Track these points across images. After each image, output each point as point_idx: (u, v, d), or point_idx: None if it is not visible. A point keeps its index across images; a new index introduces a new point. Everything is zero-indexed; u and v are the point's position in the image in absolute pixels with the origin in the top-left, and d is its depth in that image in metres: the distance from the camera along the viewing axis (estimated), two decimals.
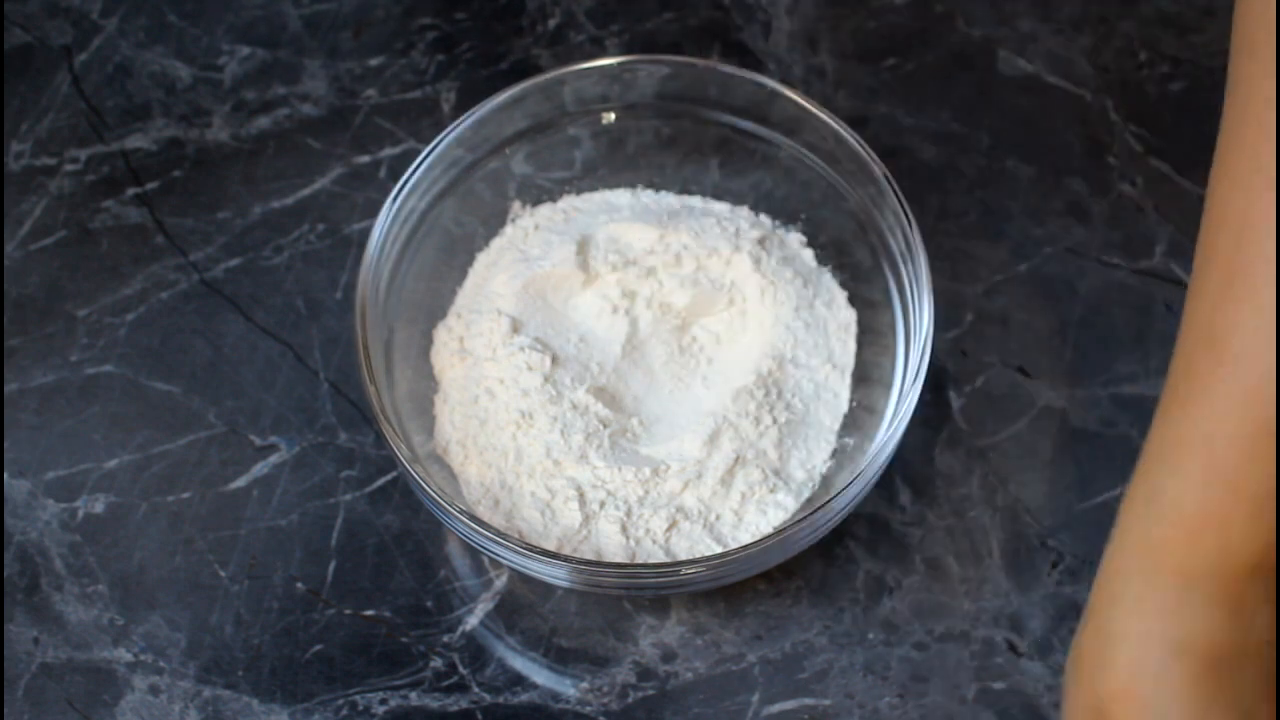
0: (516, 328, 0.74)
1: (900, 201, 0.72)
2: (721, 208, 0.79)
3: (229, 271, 0.80)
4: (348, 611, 0.72)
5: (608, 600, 0.72)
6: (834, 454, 0.73)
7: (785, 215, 0.78)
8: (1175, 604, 0.52)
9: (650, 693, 0.71)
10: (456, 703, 0.71)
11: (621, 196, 0.79)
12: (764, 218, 0.78)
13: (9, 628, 0.72)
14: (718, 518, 0.70)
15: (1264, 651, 0.52)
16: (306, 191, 0.82)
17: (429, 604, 0.72)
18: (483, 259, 0.78)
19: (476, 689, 0.71)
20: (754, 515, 0.70)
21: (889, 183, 0.73)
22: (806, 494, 0.72)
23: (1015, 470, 0.75)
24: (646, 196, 0.79)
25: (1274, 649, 0.53)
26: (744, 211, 0.79)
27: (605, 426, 0.71)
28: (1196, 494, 0.52)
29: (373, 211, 0.78)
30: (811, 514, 0.66)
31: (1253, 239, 0.52)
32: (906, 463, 0.75)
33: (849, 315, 0.76)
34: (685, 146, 0.79)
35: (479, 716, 0.70)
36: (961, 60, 0.85)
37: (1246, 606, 0.51)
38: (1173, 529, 0.52)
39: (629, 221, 0.77)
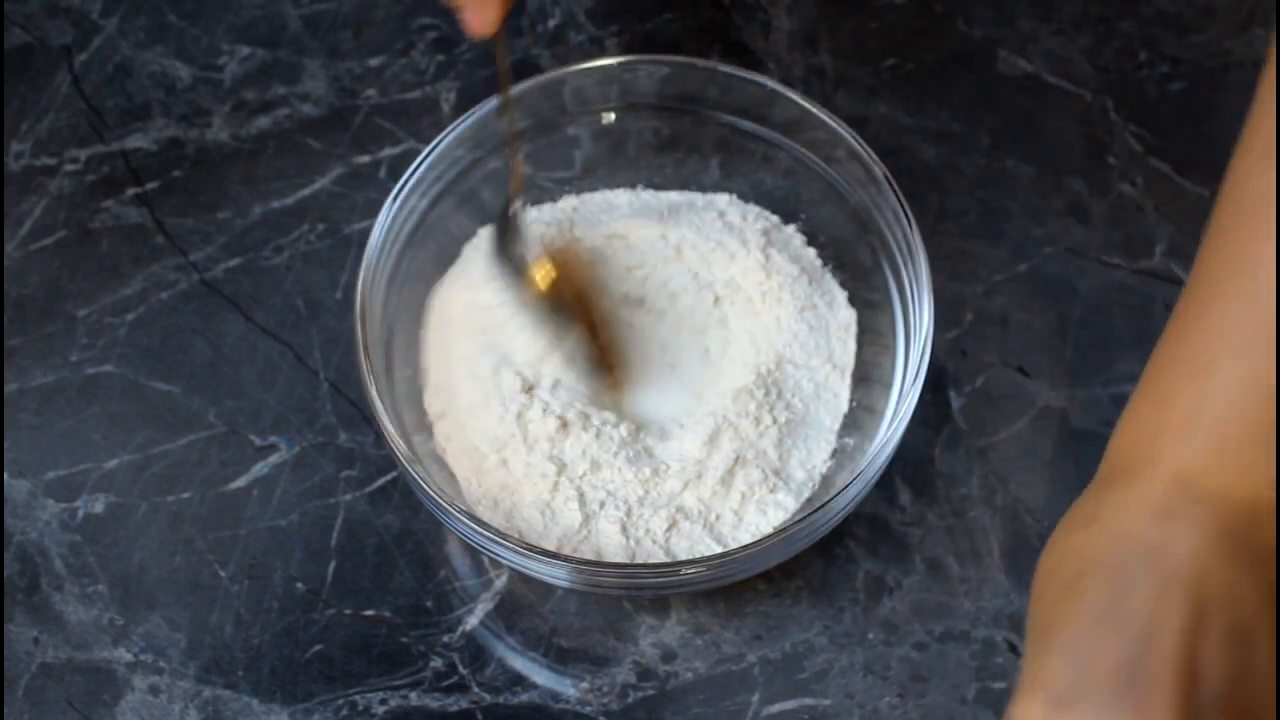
0: None
1: (900, 201, 0.72)
2: (723, 199, 0.78)
3: (229, 271, 0.80)
4: (348, 611, 0.72)
5: (608, 600, 0.72)
6: (834, 454, 0.73)
7: (785, 215, 0.78)
8: (1104, 482, 0.58)
9: (650, 693, 0.71)
10: (456, 703, 0.71)
11: (621, 196, 0.79)
12: (765, 217, 0.78)
13: (9, 628, 0.72)
14: (718, 518, 0.70)
15: (1165, 565, 0.54)
16: (306, 191, 0.82)
17: (429, 604, 0.72)
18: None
19: (476, 689, 0.71)
20: (754, 515, 0.70)
21: (889, 183, 0.73)
22: (806, 494, 0.72)
23: (1015, 470, 0.75)
24: (647, 196, 0.79)
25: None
26: (745, 209, 0.78)
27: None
28: (1144, 406, 0.58)
29: (373, 211, 0.78)
30: (811, 514, 0.66)
31: None
32: (906, 463, 0.75)
33: (849, 315, 0.76)
34: (685, 146, 0.79)
35: (479, 716, 0.70)
36: (961, 60, 0.85)
37: (1162, 508, 0.54)
38: (1126, 429, 0.58)
39: (629, 218, 0.76)
